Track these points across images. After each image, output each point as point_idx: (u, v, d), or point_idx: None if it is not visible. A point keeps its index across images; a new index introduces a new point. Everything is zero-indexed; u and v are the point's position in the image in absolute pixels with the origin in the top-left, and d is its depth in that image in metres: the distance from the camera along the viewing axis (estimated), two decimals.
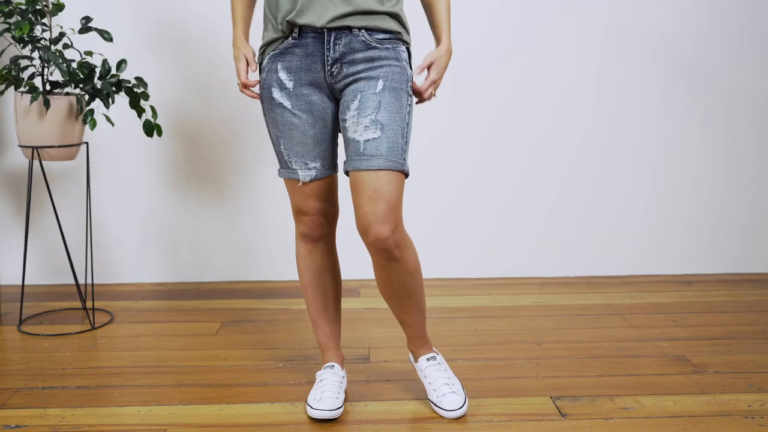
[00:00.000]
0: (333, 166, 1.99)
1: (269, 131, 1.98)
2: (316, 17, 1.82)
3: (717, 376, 2.25)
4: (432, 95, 1.95)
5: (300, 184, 1.95)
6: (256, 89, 2.13)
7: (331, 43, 1.83)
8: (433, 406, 2.01)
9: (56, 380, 2.23)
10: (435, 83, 1.93)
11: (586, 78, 3.21)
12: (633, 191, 3.29)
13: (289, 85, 1.89)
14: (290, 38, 1.86)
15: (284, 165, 1.97)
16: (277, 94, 1.90)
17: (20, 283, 3.05)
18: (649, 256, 3.33)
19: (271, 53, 1.90)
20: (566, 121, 3.23)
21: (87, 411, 2.03)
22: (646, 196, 3.30)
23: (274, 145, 1.98)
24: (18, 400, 2.09)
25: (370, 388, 2.17)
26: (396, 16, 1.89)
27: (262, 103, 1.96)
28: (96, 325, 2.69)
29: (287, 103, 1.90)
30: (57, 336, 2.60)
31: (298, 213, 2.01)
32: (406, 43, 1.93)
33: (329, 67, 1.85)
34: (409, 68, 1.91)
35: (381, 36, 1.86)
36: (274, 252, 3.24)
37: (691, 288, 3.15)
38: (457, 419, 1.97)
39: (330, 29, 1.83)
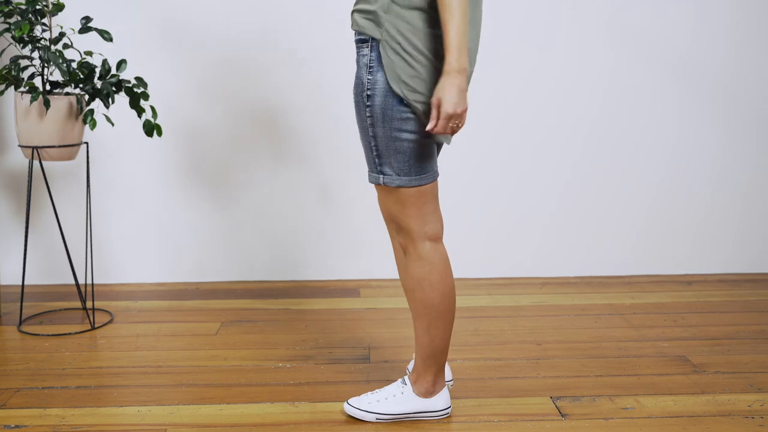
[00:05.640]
0: None
1: None
2: None
3: (717, 376, 2.25)
4: (445, 133, 1.71)
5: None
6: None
7: None
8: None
9: (56, 380, 2.23)
10: (437, 121, 1.70)
11: (587, 81, 3.21)
12: (633, 191, 3.29)
13: None
14: None
15: None
16: None
17: (20, 283, 3.05)
18: (649, 256, 3.33)
19: None
20: (567, 122, 3.23)
21: (87, 411, 2.03)
22: (646, 196, 3.30)
23: None
24: (18, 400, 2.09)
25: (370, 388, 2.17)
26: (362, 12, 1.77)
27: None
28: (96, 325, 2.69)
29: None
30: (57, 336, 2.60)
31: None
32: (376, 41, 1.75)
33: None
34: (368, 73, 1.77)
35: (356, 38, 1.81)
36: (274, 252, 3.24)
37: (691, 288, 3.15)
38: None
39: None
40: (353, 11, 1.80)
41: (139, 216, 3.20)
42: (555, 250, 3.31)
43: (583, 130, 3.24)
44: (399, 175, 1.81)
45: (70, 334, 2.61)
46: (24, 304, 2.87)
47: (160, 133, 2.67)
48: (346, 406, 1.98)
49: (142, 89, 2.64)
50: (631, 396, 2.12)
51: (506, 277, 3.29)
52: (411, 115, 1.77)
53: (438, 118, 1.69)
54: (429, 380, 1.96)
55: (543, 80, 3.20)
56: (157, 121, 2.79)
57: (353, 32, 1.81)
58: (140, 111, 2.64)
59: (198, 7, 3.08)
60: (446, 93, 1.66)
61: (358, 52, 1.80)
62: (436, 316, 1.89)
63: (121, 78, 2.61)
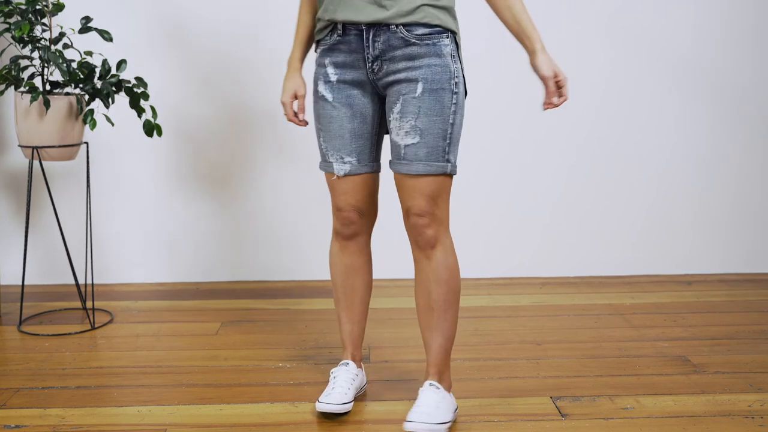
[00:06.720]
0: (371, 164, 1.98)
1: (315, 125, 2.00)
2: (354, 13, 1.83)
3: (717, 376, 2.25)
4: (559, 102, 1.90)
5: (335, 177, 1.97)
6: (303, 115, 2.09)
7: (371, 41, 1.84)
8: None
9: (56, 380, 2.23)
10: (553, 93, 1.87)
11: (587, 80, 3.21)
12: (633, 192, 3.29)
13: (333, 78, 1.92)
14: (335, 35, 1.88)
15: (323, 158, 1.99)
16: (321, 87, 1.94)
17: (20, 283, 3.05)
18: (649, 256, 3.33)
19: (322, 48, 1.93)
20: (567, 122, 3.23)
21: (87, 411, 2.03)
22: (647, 196, 3.30)
23: (317, 138, 2.00)
24: (18, 400, 2.09)
25: (370, 388, 2.17)
26: (437, 7, 1.82)
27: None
28: (96, 325, 2.69)
29: (329, 96, 1.93)
30: (57, 336, 2.60)
31: (334, 208, 2.02)
32: (453, 34, 1.86)
33: (370, 65, 1.86)
34: (453, 62, 1.84)
35: (421, 31, 1.82)
36: (274, 252, 3.24)
37: (691, 288, 3.16)
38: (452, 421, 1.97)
39: (369, 26, 1.83)
40: (423, 5, 1.81)
41: (139, 216, 3.20)
42: (555, 250, 3.31)
43: (582, 130, 3.24)
44: (455, 163, 1.89)
45: (70, 334, 2.61)
46: (24, 304, 2.87)
47: (160, 133, 2.67)
48: (421, 425, 1.85)
49: (142, 89, 2.64)
50: (631, 396, 2.12)
51: (506, 277, 3.29)
52: None
53: (563, 86, 1.87)
54: (449, 374, 1.99)
55: None
56: (157, 121, 2.79)
57: (417, 25, 1.83)
58: (140, 111, 2.64)
59: (198, 7, 3.08)
60: (553, 64, 1.86)
61: (435, 43, 1.82)
62: (458, 303, 1.96)
63: (121, 78, 2.61)
